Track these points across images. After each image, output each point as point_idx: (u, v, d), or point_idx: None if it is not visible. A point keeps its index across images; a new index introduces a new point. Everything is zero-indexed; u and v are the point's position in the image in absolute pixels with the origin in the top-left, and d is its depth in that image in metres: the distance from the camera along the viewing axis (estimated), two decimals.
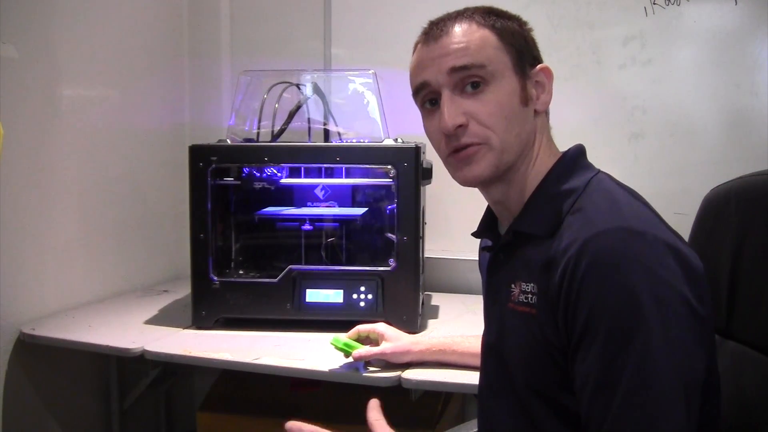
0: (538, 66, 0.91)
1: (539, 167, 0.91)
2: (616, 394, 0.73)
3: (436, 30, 0.89)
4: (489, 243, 1.00)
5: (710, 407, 0.82)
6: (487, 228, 1.00)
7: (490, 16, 0.90)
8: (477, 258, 1.12)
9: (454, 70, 0.86)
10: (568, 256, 0.78)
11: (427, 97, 0.90)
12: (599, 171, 0.91)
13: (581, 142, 0.95)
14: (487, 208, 0.99)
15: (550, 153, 0.92)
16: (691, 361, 0.75)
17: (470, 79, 0.86)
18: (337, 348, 1.31)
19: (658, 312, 0.73)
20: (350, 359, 1.30)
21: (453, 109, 0.86)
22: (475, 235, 1.02)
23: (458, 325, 1.60)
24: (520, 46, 0.89)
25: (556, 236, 0.83)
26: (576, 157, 0.92)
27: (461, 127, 0.86)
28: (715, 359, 0.83)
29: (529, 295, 0.85)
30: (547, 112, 0.94)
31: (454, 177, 0.91)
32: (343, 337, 1.33)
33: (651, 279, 0.74)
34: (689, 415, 0.74)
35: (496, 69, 0.87)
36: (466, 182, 0.90)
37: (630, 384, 0.72)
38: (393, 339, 1.32)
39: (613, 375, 0.73)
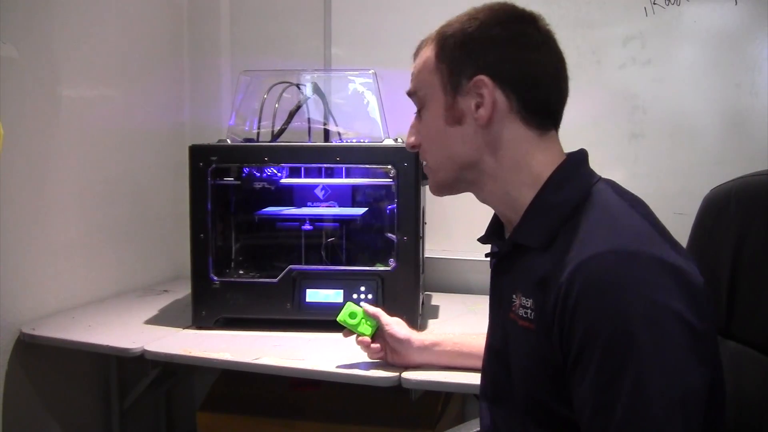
0: (474, 78, 0.86)
1: (531, 175, 0.87)
2: (613, 418, 0.73)
3: (418, 48, 0.95)
4: (494, 249, 0.99)
5: (714, 420, 0.81)
6: (493, 233, 0.99)
7: (450, 26, 0.90)
8: (476, 258, 1.12)
9: (408, 96, 0.95)
10: (561, 280, 0.77)
11: None
12: (600, 179, 0.88)
13: (581, 142, 0.94)
14: (494, 213, 0.98)
15: (545, 160, 0.88)
16: (688, 379, 0.74)
17: (417, 104, 0.94)
18: (342, 323, 1.29)
19: (650, 335, 0.72)
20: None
21: (412, 129, 0.96)
22: (481, 240, 1.01)
23: (458, 325, 1.60)
24: (455, 61, 0.87)
25: (550, 250, 0.82)
26: (576, 164, 0.89)
27: (415, 146, 0.96)
28: (719, 372, 0.82)
29: (528, 311, 0.84)
30: (531, 119, 0.87)
31: None
32: (353, 308, 1.30)
33: (643, 302, 0.73)
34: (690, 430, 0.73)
35: (426, 93, 0.91)
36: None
37: (626, 408, 0.72)
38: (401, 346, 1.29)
39: (609, 399, 0.73)
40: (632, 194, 0.88)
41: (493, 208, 0.95)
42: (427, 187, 1.60)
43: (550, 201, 0.86)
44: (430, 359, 1.30)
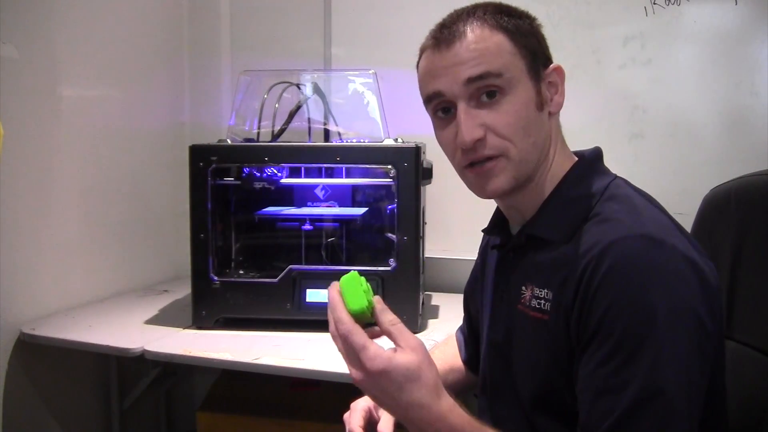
0: (551, 66, 0.88)
1: (555, 171, 0.89)
2: (620, 402, 0.72)
3: (447, 34, 0.84)
4: (497, 241, 0.98)
5: (715, 420, 0.82)
6: (496, 226, 0.98)
7: (501, 16, 0.85)
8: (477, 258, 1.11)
9: (470, 80, 0.82)
10: (588, 258, 0.77)
11: (439, 106, 0.86)
12: (616, 176, 0.89)
13: (581, 142, 0.95)
14: (497, 207, 0.98)
15: (565, 155, 0.90)
16: (696, 376, 0.74)
17: (487, 88, 0.82)
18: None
19: (670, 325, 0.72)
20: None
21: (470, 122, 0.82)
22: (485, 231, 1.01)
23: (458, 325, 1.60)
24: (533, 48, 0.86)
25: (572, 242, 0.81)
26: (593, 160, 0.90)
27: (479, 140, 0.83)
28: (721, 373, 0.83)
29: (543, 301, 0.83)
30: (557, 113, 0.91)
31: (472, 190, 0.88)
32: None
33: (668, 291, 0.73)
34: (692, 429, 0.74)
35: (512, 76, 0.83)
36: (486, 196, 0.88)
37: (637, 394, 0.72)
38: None
39: (620, 382, 0.73)
40: (646, 193, 0.89)
41: (517, 206, 0.91)
42: (427, 187, 1.62)
43: (570, 195, 0.87)
44: None
